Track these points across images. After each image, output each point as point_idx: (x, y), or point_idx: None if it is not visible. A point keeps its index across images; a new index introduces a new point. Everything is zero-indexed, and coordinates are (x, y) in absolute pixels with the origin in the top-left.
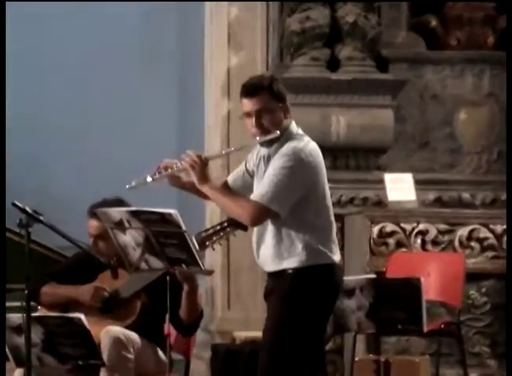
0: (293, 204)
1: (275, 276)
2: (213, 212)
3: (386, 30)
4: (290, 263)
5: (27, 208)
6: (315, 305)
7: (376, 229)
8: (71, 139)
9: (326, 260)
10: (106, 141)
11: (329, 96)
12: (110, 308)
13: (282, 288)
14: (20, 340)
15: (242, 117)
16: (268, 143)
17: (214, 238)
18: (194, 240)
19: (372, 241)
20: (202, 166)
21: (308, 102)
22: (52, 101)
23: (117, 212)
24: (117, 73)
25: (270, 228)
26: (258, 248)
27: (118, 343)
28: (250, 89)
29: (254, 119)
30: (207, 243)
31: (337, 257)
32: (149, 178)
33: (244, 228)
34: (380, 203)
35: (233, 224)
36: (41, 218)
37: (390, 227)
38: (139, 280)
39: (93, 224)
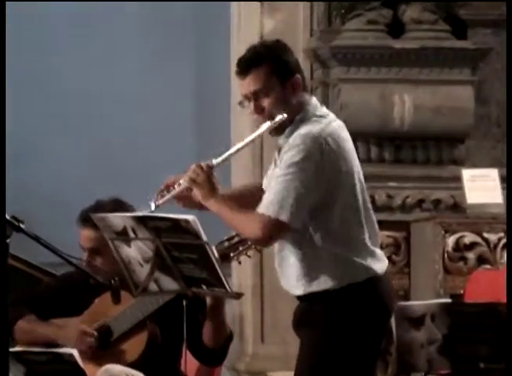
0: (312, 209)
1: (305, 301)
2: None
3: None
4: (321, 284)
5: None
6: (358, 335)
7: (451, 241)
8: (60, 125)
9: (365, 274)
10: (105, 129)
11: (390, 70)
12: (108, 341)
13: (313, 317)
14: None
15: (241, 102)
16: (276, 131)
17: (241, 248)
18: (214, 251)
19: (446, 256)
20: (205, 177)
21: (364, 77)
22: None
23: (119, 218)
24: (118, 38)
25: (289, 241)
26: (281, 269)
27: None
28: (242, 66)
29: (252, 103)
30: (232, 254)
31: (379, 266)
32: (152, 206)
33: None
34: (457, 206)
35: None
36: (22, 226)
37: (469, 238)
38: (140, 309)
39: (86, 234)
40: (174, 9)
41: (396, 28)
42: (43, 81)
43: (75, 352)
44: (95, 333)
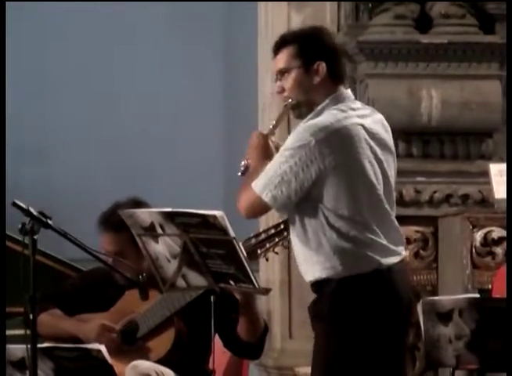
0: (312, 196)
1: (315, 291)
2: (268, 214)
3: None
4: (323, 271)
5: (32, 209)
6: (365, 327)
7: (479, 236)
8: (85, 122)
9: (370, 265)
10: (131, 126)
11: (418, 65)
12: (134, 338)
13: (320, 310)
14: None
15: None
16: (299, 115)
17: (268, 245)
18: (242, 247)
19: (474, 250)
20: (256, 144)
21: (391, 72)
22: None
23: (147, 214)
24: (146, 37)
25: (294, 227)
26: (295, 254)
27: None
28: (275, 45)
29: (277, 82)
30: (259, 251)
31: (387, 259)
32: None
33: None
34: (485, 201)
35: None
36: (50, 222)
37: (498, 232)
38: (167, 305)
39: (108, 238)
40: (203, 7)
41: (424, 23)
42: (69, 79)
43: (103, 348)
44: (116, 328)
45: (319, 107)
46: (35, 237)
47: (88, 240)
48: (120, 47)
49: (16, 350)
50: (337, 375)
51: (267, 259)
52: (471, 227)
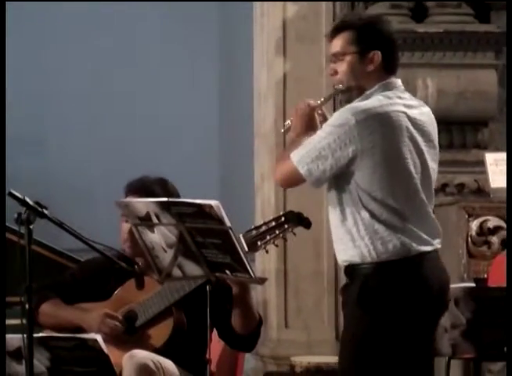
0: (349, 175)
1: (347, 275)
2: (265, 203)
3: None
4: (356, 252)
5: (28, 199)
6: (393, 314)
7: (475, 225)
8: (82, 112)
9: (408, 252)
10: (127, 119)
11: (413, 54)
12: (133, 328)
13: (350, 295)
14: (20, 368)
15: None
16: (347, 100)
17: (268, 237)
18: (242, 240)
19: (470, 240)
20: (303, 114)
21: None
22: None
23: (143, 204)
24: (141, 30)
25: (333, 205)
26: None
27: (145, 371)
28: (332, 29)
29: (331, 64)
30: (259, 243)
31: (420, 248)
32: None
33: (307, 225)
34: (480, 191)
35: (292, 219)
36: (46, 212)
37: (493, 222)
38: (167, 295)
39: None
40: None
41: (419, 12)
42: (68, 72)
43: (99, 338)
44: (120, 316)
45: (368, 92)
46: (31, 227)
47: (85, 230)
48: (118, 43)
49: (13, 340)
50: (364, 358)
51: (267, 251)
52: (467, 216)
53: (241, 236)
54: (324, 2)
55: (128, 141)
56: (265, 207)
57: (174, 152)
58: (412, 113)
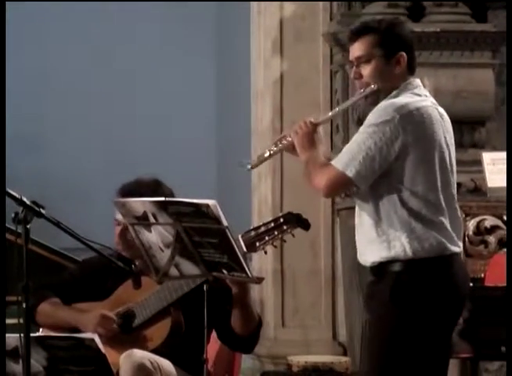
0: (388, 173)
1: (375, 273)
2: (262, 203)
3: None
4: (392, 250)
5: (25, 199)
6: (425, 311)
7: (472, 224)
8: (80, 112)
9: (438, 250)
10: (122, 119)
11: None
12: (131, 327)
13: (382, 293)
14: (17, 367)
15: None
16: (372, 102)
17: (267, 238)
18: (241, 241)
19: (467, 239)
20: (306, 132)
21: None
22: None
23: (140, 203)
24: (139, 27)
25: (368, 206)
26: (359, 236)
27: (142, 370)
28: (353, 32)
29: (354, 68)
30: (258, 244)
31: (454, 248)
32: (266, 153)
33: (305, 226)
34: (477, 190)
35: (291, 220)
36: (43, 211)
37: (490, 221)
38: (164, 295)
39: None
40: None
41: (416, 11)
42: (66, 71)
43: (96, 338)
44: (115, 318)
45: (395, 92)
46: (28, 227)
47: (82, 230)
48: (117, 43)
49: (10, 339)
50: (394, 353)
51: (265, 252)
52: (464, 216)
53: (240, 236)
54: (321, 2)
55: (125, 140)
56: (262, 206)
57: (172, 151)
58: (440, 110)
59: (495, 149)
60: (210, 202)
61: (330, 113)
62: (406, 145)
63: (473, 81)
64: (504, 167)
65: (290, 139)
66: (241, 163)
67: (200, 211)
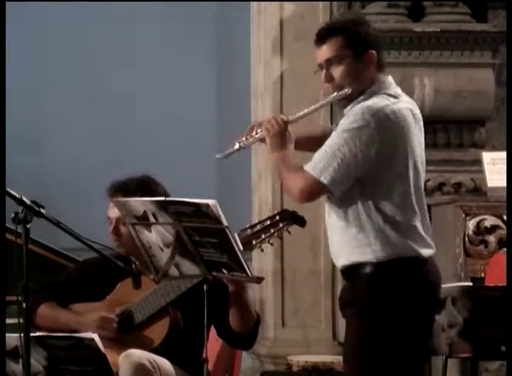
0: (361, 182)
1: (348, 277)
2: (262, 202)
3: None
4: (362, 255)
5: (25, 198)
6: (401, 312)
7: (472, 224)
8: (79, 112)
9: (409, 252)
10: (123, 118)
11: (411, 53)
12: (130, 327)
13: (356, 296)
14: (17, 367)
15: (316, 71)
16: (344, 103)
17: (263, 236)
18: (237, 239)
19: (467, 239)
20: (278, 131)
21: (384, 60)
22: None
23: (140, 203)
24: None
25: (336, 209)
26: (330, 237)
27: (141, 370)
28: (320, 35)
29: (324, 71)
30: (254, 242)
31: (425, 251)
32: (236, 146)
33: (302, 223)
34: (477, 190)
35: (287, 217)
36: (43, 211)
37: (490, 221)
38: (163, 295)
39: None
40: None
41: (416, 11)
42: (64, 70)
43: (96, 337)
44: (116, 319)
45: (368, 92)
46: (28, 226)
47: (81, 229)
48: (116, 43)
49: (10, 339)
50: (371, 357)
51: (262, 250)
52: (464, 216)
53: (236, 235)
54: (321, 2)
55: (125, 140)
56: (262, 206)
57: (172, 151)
58: (413, 109)
59: (495, 149)
60: (211, 202)
61: (301, 113)
62: (382, 151)
63: (473, 80)
64: (504, 167)
65: (260, 132)
66: (215, 156)
67: (200, 211)
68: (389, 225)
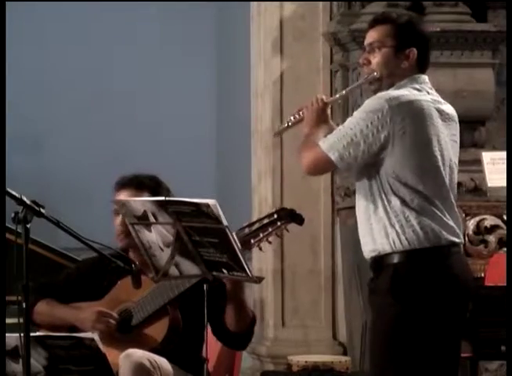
0: (378, 163)
1: (374, 268)
2: (262, 202)
3: None
4: (384, 246)
5: (25, 198)
6: (426, 304)
7: (471, 224)
8: (79, 112)
9: (438, 240)
10: (122, 120)
11: None
12: (129, 327)
13: (381, 286)
14: (17, 367)
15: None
16: (375, 90)
17: (261, 235)
18: (236, 238)
19: (467, 239)
20: (316, 108)
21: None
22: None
23: (140, 203)
24: (139, 26)
25: (363, 201)
26: (358, 227)
27: (141, 370)
28: (374, 19)
29: (365, 54)
30: (252, 241)
31: (453, 238)
32: (285, 124)
33: (300, 221)
34: (477, 190)
35: (285, 216)
36: (43, 211)
37: (490, 221)
38: (162, 294)
39: (128, 194)
40: None
41: (416, 11)
42: (65, 71)
43: (96, 337)
44: (115, 315)
45: (397, 85)
46: (28, 226)
47: (81, 229)
48: (116, 43)
49: (10, 339)
50: (397, 345)
51: (260, 249)
52: (464, 215)
53: (234, 234)
54: (321, 1)
55: (125, 140)
56: (262, 206)
57: (171, 151)
58: (441, 106)
59: (495, 148)
60: (211, 201)
61: (338, 95)
62: (393, 136)
63: (473, 80)
64: (504, 166)
65: (302, 113)
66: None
67: (200, 211)
68: (407, 207)
